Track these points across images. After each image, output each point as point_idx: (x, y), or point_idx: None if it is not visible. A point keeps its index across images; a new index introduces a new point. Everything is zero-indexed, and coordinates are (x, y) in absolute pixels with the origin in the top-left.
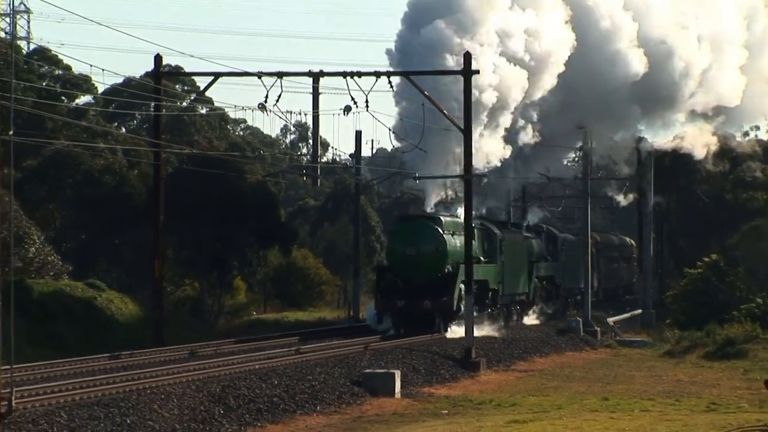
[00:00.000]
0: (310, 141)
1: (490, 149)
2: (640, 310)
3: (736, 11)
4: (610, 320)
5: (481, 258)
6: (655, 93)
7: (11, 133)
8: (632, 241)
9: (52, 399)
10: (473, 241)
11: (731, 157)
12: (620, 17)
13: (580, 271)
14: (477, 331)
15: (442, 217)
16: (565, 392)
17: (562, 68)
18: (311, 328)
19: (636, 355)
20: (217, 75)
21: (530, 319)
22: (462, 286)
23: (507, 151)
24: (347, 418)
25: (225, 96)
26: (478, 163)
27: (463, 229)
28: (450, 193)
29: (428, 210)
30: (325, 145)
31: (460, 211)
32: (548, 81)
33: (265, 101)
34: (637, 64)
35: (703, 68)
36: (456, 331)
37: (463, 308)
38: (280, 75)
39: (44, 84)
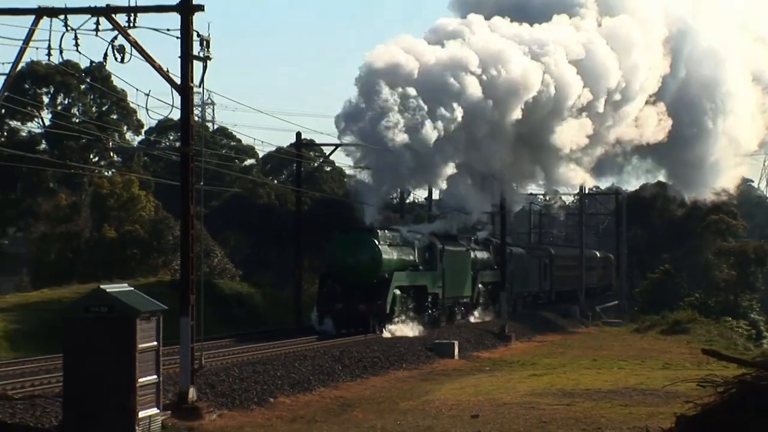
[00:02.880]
0: (399, 189)
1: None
2: (617, 301)
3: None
4: (598, 308)
5: (420, 267)
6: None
7: (201, 183)
8: (611, 255)
9: (228, 359)
10: (413, 252)
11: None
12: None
13: (529, 277)
14: (414, 330)
15: (378, 230)
16: (567, 356)
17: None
18: None
19: (615, 331)
20: (337, 146)
21: (476, 318)
22: (396, 291)
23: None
24: (423, 372)
25: (343, 159)
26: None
27: (399, 241)
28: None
29: (367, 224)
30: (408, 192)
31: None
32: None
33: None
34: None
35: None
36: (391, 331)
37: (396, 312)
38: None
39: (223, 151)
